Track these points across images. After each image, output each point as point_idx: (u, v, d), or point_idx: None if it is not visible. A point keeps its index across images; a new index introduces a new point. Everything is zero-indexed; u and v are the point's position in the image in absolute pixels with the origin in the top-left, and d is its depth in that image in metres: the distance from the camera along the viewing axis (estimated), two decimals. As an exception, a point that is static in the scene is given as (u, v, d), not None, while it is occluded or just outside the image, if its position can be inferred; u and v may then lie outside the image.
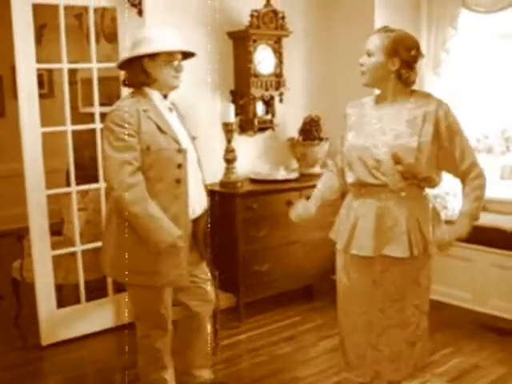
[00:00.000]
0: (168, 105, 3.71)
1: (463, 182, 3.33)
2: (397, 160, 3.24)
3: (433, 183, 3.36)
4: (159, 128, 3.54)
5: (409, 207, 3.29)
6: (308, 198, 3.83)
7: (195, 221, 3.76)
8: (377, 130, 3.34)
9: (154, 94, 3.64)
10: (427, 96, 3.34)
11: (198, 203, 3.73)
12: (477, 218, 3.34)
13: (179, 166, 3.56)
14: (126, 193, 3.39)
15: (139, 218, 3.43)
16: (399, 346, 3.40)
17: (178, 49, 3.59)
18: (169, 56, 3.56)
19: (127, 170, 3.42)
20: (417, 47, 3.29)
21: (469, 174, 3.28)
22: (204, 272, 3.95)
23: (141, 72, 3.58)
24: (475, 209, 3.30)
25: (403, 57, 3.24)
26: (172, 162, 3.55)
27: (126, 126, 3.46)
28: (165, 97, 3.70)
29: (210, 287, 3.96)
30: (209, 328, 4.05)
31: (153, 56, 3.53)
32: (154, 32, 3.61)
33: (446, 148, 3.26)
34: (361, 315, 3.45)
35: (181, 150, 3.59)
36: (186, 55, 3.74)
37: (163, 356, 3.85)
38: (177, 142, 3.58)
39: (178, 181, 3.55)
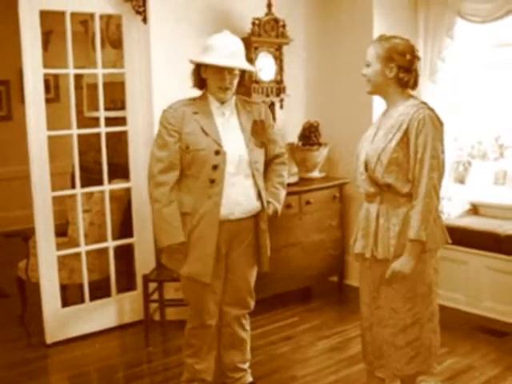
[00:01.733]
0: (223, 110, 3.73)
1: (413, 198, 3.24)
2: (366, 166, 3.31)
3: (397, 191, 3.26)
4: (203, 129, 3.63)
5: (383, 213, 3.31)
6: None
7: (243, 220, 3.75)
8: (369, 136, 3.41)
9: (212, 99, 3.73)
10: (415, 104, 3.29)
11: (239, 206, 3.70)
12: (422, 240, 3.18)
13: (215, 167, 3.60)
14: (154, 190, 3.63)
15: (154, 215, 3.70)
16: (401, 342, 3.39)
17: (223, 65, 3.59)
18: (216, 69, 3.61)
19: (159, 167, 3.62)
20: (411, 51, 3.30)
21: (417, 191, 3.19)
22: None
23: (198, 77, 3.73)
24: (418, 233, 3.16)
25: (399, 62, 3.26)
26: (208, 162, 3.60)
27: (168, 125, 3.64)
28: (223, 103, 3.73)
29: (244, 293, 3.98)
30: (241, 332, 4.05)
31: (206, 65, 3.64)
32: (216, 42, 3.66)
33: (412, 159, 3.19)
34: (367, 307, 3.52)
35: (219, 152, 3.61)
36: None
37: (199, 350, 3.92)
38: (218, 143, 3.61)
39: (212, 181, 3.60)
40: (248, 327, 4.09)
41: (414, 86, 3.36)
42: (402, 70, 3.27)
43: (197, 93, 3.80)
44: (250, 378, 4.12)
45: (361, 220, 3.47)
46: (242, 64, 3.71)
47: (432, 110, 3.27)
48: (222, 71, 3.61)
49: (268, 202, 3.83)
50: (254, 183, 3.76)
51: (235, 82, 3.70)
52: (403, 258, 3.21)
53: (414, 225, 3.17)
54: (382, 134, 3.29)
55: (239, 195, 3.69)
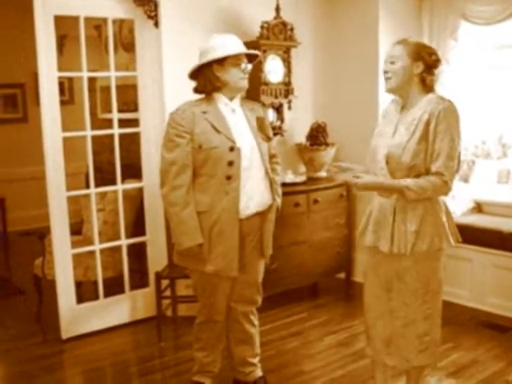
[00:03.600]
0: (232, 106, 3.74)
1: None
2: (387, 160, 3.29)
3: None
4: (214, 128, 3.62)
5: (400, 208, 3.29)
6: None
7: (253, 218, 3.76)
8: (388, 132, 3.38)
9: (219, 98, 3.72)
10: (434, 97, 3.31)
11: (253, 200, 3.71)
12: (403, 191, 3.19)
13: (230, 163, 3.60)
14: (170, 193, 3.60)
15: (172, 219, 3.65)
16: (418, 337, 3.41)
17: (243, 51, 3.69)
18: (235, 59, 3.64)
19: (173, 170, 3.59)
20: (436, 53, 3.35)
21: (434, 175, 3.21)
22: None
23: (212, 77, 3.66)
24: (410, 185, 3.18)
25: (426, 61, 3.29)
26: (223, 159, 3.59)
27: (177, 127, 3.61)
28: (231, 99, 3.74)
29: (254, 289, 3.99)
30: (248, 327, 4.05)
31: (221, 61, 3.62)
32: (217, 40, 3.68)
33: (430, 146, 3.21)
34: (364, 296, 3.56)
35: (233, 148, 3.61)
36: (251, 58, 3.81)
37: (207, 343, 3.96)
38: (231, 140, 3.62)
39: (228, 177, 3.59)
40: (256, 322, 4.09)
41: (432, 88, 3.37)
42: (427, 68, 3.30)
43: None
44: (259, 373, 4.11)
45: (372, 214, 3.45)
46: (252, 51, 3.81)
47: (451, 102, 3.28)
48: (239, 59, 3.65)
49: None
50: (266, 175, 3.78)
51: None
52: (375, 179, 3.33)
53: (414, 183, 3.18)
54: (404, 128, 3.28)
55: (253, 188, 3.69)
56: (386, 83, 3.37)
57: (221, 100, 3.72)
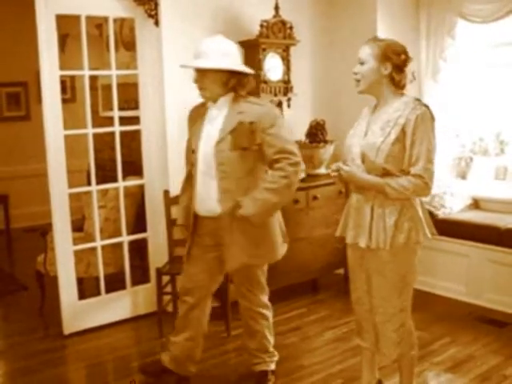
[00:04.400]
0: (213, 109, 3.76)
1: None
2: (362, 158, 3.31)
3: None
4: (196, 129, 3.81)
5: (377, 203, 3.30)
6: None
7: (208, 220, 3.79)
8: (361, 131, 3.41)
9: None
10: (410, 100, 3.30)
11: (201, 205, 3.77)
12: (383, 187, 3.22)
13: (192, 164, 3.82)
14: None
15: None
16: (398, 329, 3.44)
17: (182, 65, 3.81)
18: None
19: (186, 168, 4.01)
20: (405, 52, 3.33)
21: (414, 177, 3.20)
22: None
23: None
24: (391, 182, 3.20)
25: (394, 61, 3.29)
26: (191, 158, 3.83)
27: (187, 125, 3.98)
28: (215, 102, 3.77)
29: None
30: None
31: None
32: (235, 49, 3.79)
33: (407, 151, 3.20)
34: (354, 291, 3.62)
35: (193, 151, 3.75)
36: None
37: (177, 322, 4.08)
38: (195, 143, 3.74)
39: (192, 175, 3.84)
40: (263, 321, 4.09)
41: (403, 87, 3.37)
42: (396, 69, 3.30)
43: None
44: (268, 367, 4.14)
45: (351, 210, 3.47)
46: (196, 63, 3.66)
47: (427, 106, 3.29)
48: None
49: (238, 203, 3.61)
50: (218, 185, 3.67)
51: (206, 81, 3.65)
52: (357, 173, 3.31)
53: (395, 181, 3.20)
54: (378, 128, 3.29)
55: (203, 194, 3.74)
56: (356, 85, 3.40)
57: (210, 102, 3.79)
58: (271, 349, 4.17)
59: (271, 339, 4.16)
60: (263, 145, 3.65)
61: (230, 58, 3.67)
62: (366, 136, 3.35)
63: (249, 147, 3.65)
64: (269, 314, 4.13)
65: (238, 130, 3.62)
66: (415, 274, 3.42)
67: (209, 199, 3.71)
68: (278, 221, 3.90)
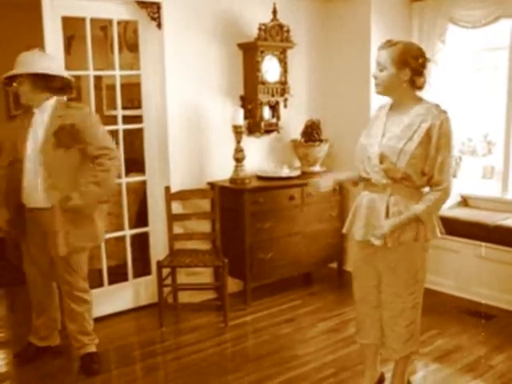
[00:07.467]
0: (34, 111, 3.97)
1: (430, 188, 3.26)
2: (381, 159, 3.24)
3: (413, 181, 3.23)
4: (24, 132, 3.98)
5: (394, 202, 3.25)
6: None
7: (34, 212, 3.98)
8: (378, 132, 3.30)
9: None
10: (431, 106, 3.24)
11: (26, 198, 3.94)
12: (419, 217, 3.21)
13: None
14: None
15: None
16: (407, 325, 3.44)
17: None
18: None
19: None
20: (422, 54, 3.24)
21: (437, 185, 3.21)
22: None
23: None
24: (421, 209, 3.20)
25: (413, 65, 3.19)
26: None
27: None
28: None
29: None
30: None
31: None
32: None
33: (431, 155, 3.17)
34: (358, 288, 3.55)
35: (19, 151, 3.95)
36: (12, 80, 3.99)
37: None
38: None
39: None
40: (84, 304, 4.20)
41: (423, 88, 3.31)
42: (415, 72, 3.21)
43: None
44: (90, 349, 4.26)
45: (361, 209, 3.40)
46: (16, 71, 3.90)
47: (447, 112, 3.24)
48: None
49: (68, 196, 3.84)
50: (44, 181, 3.86)
51: (22, 88, 3.91)
52: (393, 220, 3.21)
53: (425, 205, 3.19)
54: (399, 130, 3.21)
55: (28, 189, 3.90)
56: (375, 87, 3.32)
57: None
58: (91, 332, 4.28)
59: (91, 322, 4.28)
60: (85, 144, 3.90)
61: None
62: (383, 137, 3.26)
63: (71, 146, 3.88)
64: (89, 298, 4.24)
65: (61, 131, 3.86)
66: (425, 271, 3.41)
67: (35, 194, 3.90)
68: (101, 209, 4.15)
